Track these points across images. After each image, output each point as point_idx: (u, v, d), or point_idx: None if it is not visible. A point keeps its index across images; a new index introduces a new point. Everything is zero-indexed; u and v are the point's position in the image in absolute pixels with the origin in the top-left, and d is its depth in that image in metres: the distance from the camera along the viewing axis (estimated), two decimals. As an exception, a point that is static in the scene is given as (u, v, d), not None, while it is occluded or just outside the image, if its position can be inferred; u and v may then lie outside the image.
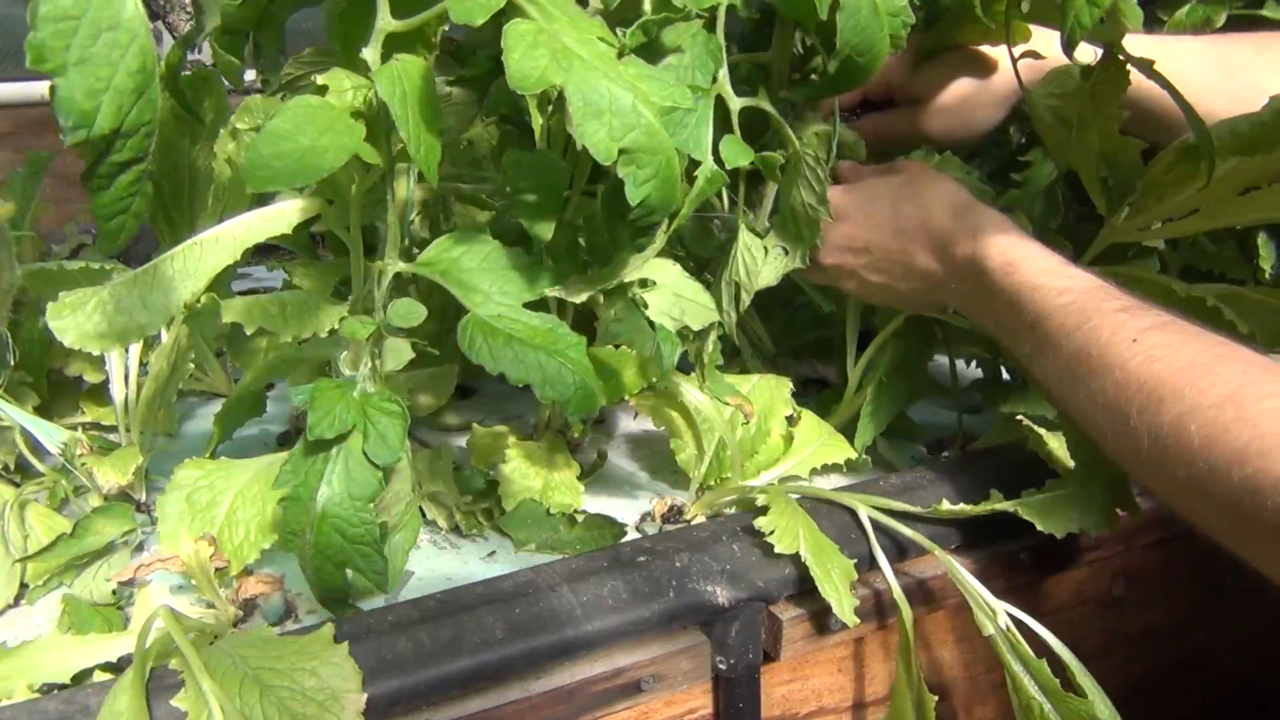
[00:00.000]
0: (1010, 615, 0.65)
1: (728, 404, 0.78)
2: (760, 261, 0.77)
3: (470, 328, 0.61)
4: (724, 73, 0.69)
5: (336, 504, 0.60)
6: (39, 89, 1.58)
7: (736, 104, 0.71)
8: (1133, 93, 0.75)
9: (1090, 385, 0.62)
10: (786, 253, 0.80)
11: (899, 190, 0.79)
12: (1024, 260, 0.70)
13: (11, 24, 1.74)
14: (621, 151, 0.56)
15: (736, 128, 0.71)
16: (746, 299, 0.79)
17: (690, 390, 0.77)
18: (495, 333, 0.61)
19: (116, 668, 0.58)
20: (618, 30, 0.61)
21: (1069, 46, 0.70)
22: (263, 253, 0.89)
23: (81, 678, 0.58)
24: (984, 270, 0.72)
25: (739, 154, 0.70)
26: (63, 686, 0.57)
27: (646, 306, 0.72)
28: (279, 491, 0.61)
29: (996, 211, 0.75)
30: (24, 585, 0.68)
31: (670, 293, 0.75)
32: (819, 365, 1.04)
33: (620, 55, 0.58)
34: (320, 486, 0.60)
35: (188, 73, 0.87)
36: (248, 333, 0.65)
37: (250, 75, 0.84)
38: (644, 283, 0.73)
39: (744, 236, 0.77)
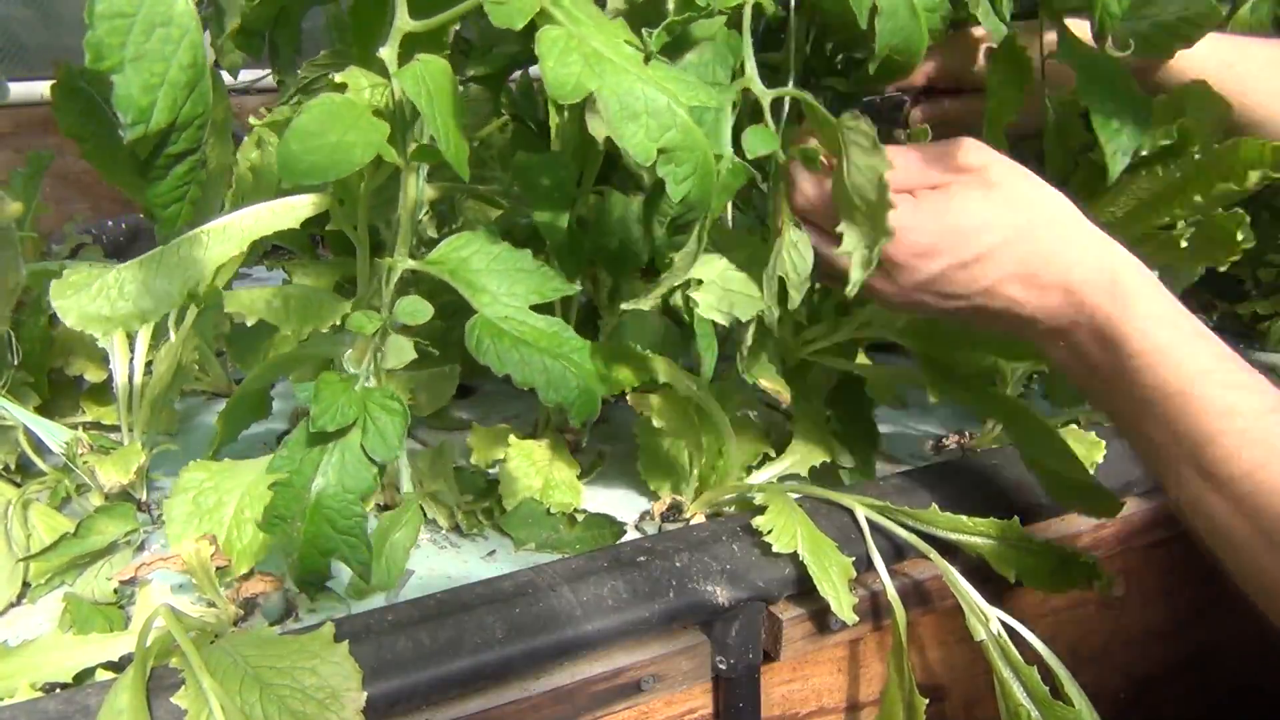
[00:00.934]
0: (1002, 621, 0.65)
1: (766, 389, 0.76)
2: (809, 258, 0.76)
3: (478, 329, 0.62)
4: (751, 65, 0.69)
5: (330, 495, 0.61)
6: (39, 89, 1.59)
7: (768, 96, 0.70)
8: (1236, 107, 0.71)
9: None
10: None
11: (988, 207, 0.61)
12: (1177, 343, 0.57)
13: (12, 24, 1.74)
14: (660, 151, 0.56)
15: (769, 118, 0.70)
16: (796, 296, 0.77)
17: (692, 388, 0.78)
18: (502, 334, 0.61)
19: (118, 667, 0.58)
20: (642, 31, 0.61)
21: (1099, 38, 0.70)
22: (264, 253, 0.90)
23: (83, 677, 0.58)
24: (1117, 337, 0.58)
25: (762, 142, 0.69)
26: (64, 686, 0.57)
27: (698, 306, 0.72)
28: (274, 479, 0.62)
29: (1126, 252, 0.61)
30: (26, 584, 0.68)
31: (719, 288, 0.75)
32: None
33: (647, 60, 0.59)
34: (315, 477, 0.61)
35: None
36: (249, 324, 0.65)
37: (248, 75, 0.84)
38: (691, 282, 0.73)
39: (790, 232, 0.75)
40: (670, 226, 0.64)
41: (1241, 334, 1.17)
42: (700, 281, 0.73)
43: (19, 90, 1.64)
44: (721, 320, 0.73)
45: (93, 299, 0.62)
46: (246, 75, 0.84)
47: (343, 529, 0.62)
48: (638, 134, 0.56)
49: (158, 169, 0.57)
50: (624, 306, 0.69)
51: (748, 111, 0.69)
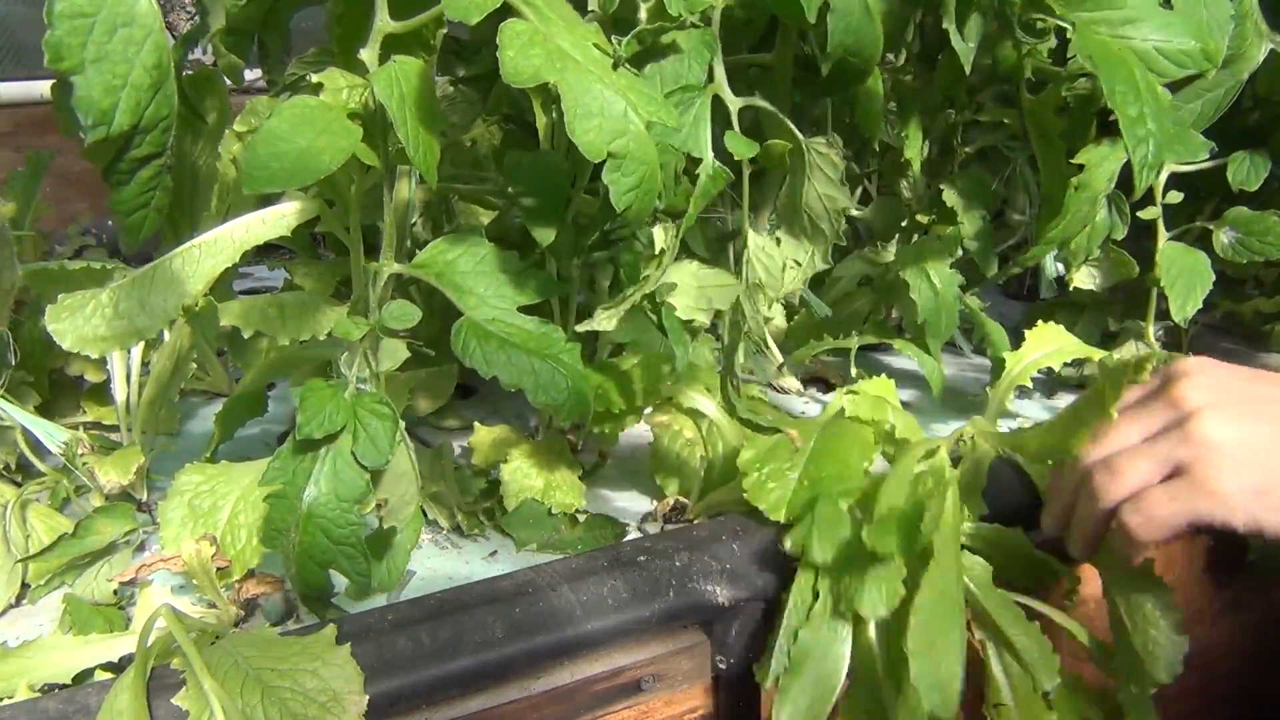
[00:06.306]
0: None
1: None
2: (779, 261, 0.77)
3: (464, 331, 0.61)
4: (721, 73, 0.69)
5: (323, 504, 0.60)
6: (39, 89, 1.59)
7: (735, 104, 0.71)
8: None
9: None
10: (805, 254, 0.79)
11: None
12: None
13: (12, 24, 1.74)
14: (609, 155, 0.56)
15: (736, 126, 0.71)
16: (765, 301, 0.78)
17: (696, 397, 0.77)
18: (489, 336, 0.61)
19: (118, 668, 0.58)
20: (613, 38, 0.61)
21: None
22: (264, 252, 0.89)
23: (83, 678, 0.58)
24: None
25: (743, 146, 0.69)
26: (64, 687, 0.57)
27: (675, 310, 0.72)
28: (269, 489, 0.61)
29: None
30: (26, 585, 0.68)
31: (693, 289, 0.75)
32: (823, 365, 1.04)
33: (615, 66, 0.59)
34: (307, 486, 0.60)
35: (188, 72, 0.87)
36: (245, 335, 0.65)
37: (250, 75, 0.84)
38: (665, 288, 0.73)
39: (753, 240, 0.77)
40: (591, 246, 0.64)
41: (1244, 334, 1.17)
42: (674, 285, 0.73)
43: (19, 90, 1.64)
44: (701, 317, 0.73)
45: (88, 320, 0.62)
46: (246, 74, 0.83)
47: (338, 539, 0.60)
48: (589, 132, 0.56)
49: (121, 173, 0.57)
50: (579, 328, 0.68)
51: (720, 120, 0.69)
